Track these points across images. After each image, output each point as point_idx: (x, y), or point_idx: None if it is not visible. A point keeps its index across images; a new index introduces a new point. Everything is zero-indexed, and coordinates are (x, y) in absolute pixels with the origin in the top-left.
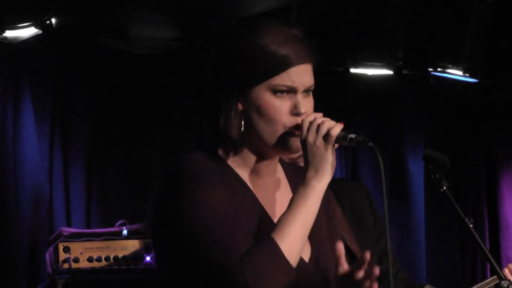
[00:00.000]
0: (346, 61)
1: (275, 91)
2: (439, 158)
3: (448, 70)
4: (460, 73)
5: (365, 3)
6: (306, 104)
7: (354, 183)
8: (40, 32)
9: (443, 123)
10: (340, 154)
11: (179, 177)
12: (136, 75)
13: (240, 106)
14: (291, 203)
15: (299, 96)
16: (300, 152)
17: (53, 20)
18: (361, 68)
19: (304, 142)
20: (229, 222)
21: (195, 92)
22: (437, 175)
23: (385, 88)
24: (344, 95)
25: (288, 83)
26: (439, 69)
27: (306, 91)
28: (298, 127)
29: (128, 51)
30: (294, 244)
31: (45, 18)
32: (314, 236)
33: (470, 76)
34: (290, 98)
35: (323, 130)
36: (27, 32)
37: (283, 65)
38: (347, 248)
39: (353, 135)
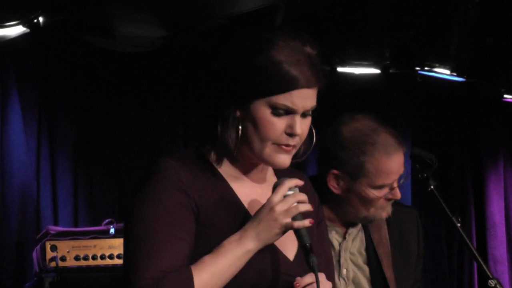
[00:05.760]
0: (333, 60)
1: (274, 108)
2: (427, 157)
3: (435, 69)
4: (448, 72)
5: (352, 2)
6: (303, 125)
7: (407, 209)
8: (28, 30)
9: (430, 122)
10: None
11: (140, 184)
12: (122, 73)
13: (238, 114)
14: (220, 248)
15: (297, 118)
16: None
17: (41, 19)
18: (348, 67)
19: (269, 203)
20: (164, 240)
21: (180, 91)
22: (425, 174)
23: (372, 87)
24: (331, 94)
25: (288, 104)
26: (426, 68)
27: (306, 113)
28: (288, 146)
29: (114, 50)
30: (209, 282)
31: (33, 16)
32: None
33: (457, 75)
34: (288, 118)
35: (292, 214)
36: (14, 30)
37: (289, 86)
38: (381, 272)
39: (309, 244)
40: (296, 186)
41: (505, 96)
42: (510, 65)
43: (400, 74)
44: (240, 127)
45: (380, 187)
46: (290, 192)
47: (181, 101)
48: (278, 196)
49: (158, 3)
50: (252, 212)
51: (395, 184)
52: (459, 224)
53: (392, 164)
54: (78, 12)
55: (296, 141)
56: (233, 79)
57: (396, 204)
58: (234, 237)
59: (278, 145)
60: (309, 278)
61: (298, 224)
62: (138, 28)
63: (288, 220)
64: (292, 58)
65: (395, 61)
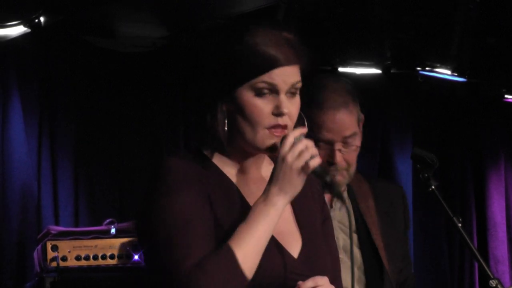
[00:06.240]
0: (334, 60)
1: (257, 90)
2: (428, 157)
3: (436, 69)
4: (448, 72)
5: (353, 2)
6: (290, 105)
7: (393, 185)
8: (29, 30)
9: (431, 122)
10: None
11: (155, 179)
12: (122, 73)
13: (224, 107)
14: (250, 215)
15: (282, 97)
16: None
17: (42, 19)
18: (349, 67)
19: (281, 158)
20: (194, 227)
21: (181, 91)
22: (426, 175)
23: (373, 87)
24: None
25: (270, 81)
26: (427, 68)
27: (291, 91)
28: (278, 127)
29: (114, 50)
30: (250, 256)
31: (34, 16)
32: (306, 233)
33: (458, 75)
34: (273, 99)
35: (304, 157)
36: (15, 30)
37: (268, 65)
38: (370, 240)
39: (330, 180)
40: (301, 134)
41: (506, 96)
42: (511, 65)
43: (401, 74)
44: (226, 120)
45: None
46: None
47: (181, 101)
48: (286, 147)
49: (158, 3)
50: (251, 202)
51: (335, 147)
52: (460, 224)
53: (322, 118)
54: (79, 12)
55: (285, 121)
56: (214, 72)
57: (382, 180)
58: (259, 200)
59: (269, 131)
60: (310, 282)
61: (313, 162)
62: (138, 28)
63: (302, 163)
64: (268, 39)
65: (396, 61)
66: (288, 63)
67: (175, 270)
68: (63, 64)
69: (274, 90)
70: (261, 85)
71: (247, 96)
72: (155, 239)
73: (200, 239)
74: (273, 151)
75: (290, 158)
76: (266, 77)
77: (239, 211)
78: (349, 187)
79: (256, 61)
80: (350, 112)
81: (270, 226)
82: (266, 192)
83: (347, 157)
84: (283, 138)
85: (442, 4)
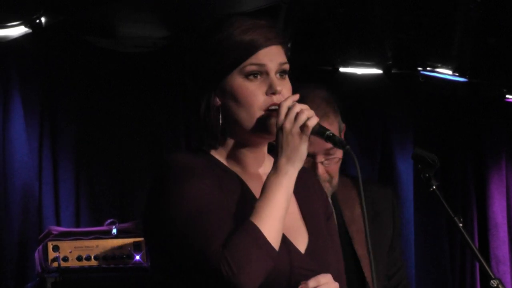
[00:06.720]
0: (335, 60)
1: (247, 74)
2: (429, 158)
3: (437, 69)
4: (449, 72)
5: (353, 2)
6: (282, 84)
7: (383, 189)
8: (30, 31)
9: (432, 122)
10: None
11: (165, 172)
12: (123, 73)
13: (217, 100)
14: (264, 190)
15: (272, 77)
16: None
17: (43, 19)
18: (350, 67)
19: (280, 128)
20: (215, 211)
21: (181, 91)
22: (427, 175)
23: (375, 87)
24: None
25: (257, 62)
26: (428, 68)
27: (281, 72)
28: (275, 106)
29: (115, 50)
30: (273, 227)
31: (35, 17)
32: (312, 229)
33: (459, 76)
34: (264, 80)
35: (302, 119)
36: (16, 31)
37: (251, 48)
38: (352, 250)
39: (330, 133)
40: (293, 101)
41: (507, 96)
42: None
43: (402, 75)
44: (220, 115)
45: None
46: None
47: (181, 101)
48: (282, 116)
49: (158, 3)
50: (257, 194)
51: (317, 159)
52: (461, 224)
53: None
54: (80, 13)
55: (280, 99)
56: (202, 65)
57: (372, 184)
58: (270, 174)
59: (266, 112)
60: (314, 282)
61: (311, 122)
62: (139, 29)
63: (300, 124)
64: (243, 27)
65: (397, 61)
66: (270, 43)
67: (203, 253)
68: (63, 64)
69: (263, 71)
70: (250, 67)
71: (238, 81)
72: (173, 229)
73: (222, 221)
74: (272, 132)
75: (288, 124)
76: (253, 59)
77: (248, 203)
78: (334, 195)
79: (239, 47)
80: (331, 124)
81: (286, 195)
82: (275, 165)
83: (329, 169)
84: (276, 110)
85: (442, 4)
